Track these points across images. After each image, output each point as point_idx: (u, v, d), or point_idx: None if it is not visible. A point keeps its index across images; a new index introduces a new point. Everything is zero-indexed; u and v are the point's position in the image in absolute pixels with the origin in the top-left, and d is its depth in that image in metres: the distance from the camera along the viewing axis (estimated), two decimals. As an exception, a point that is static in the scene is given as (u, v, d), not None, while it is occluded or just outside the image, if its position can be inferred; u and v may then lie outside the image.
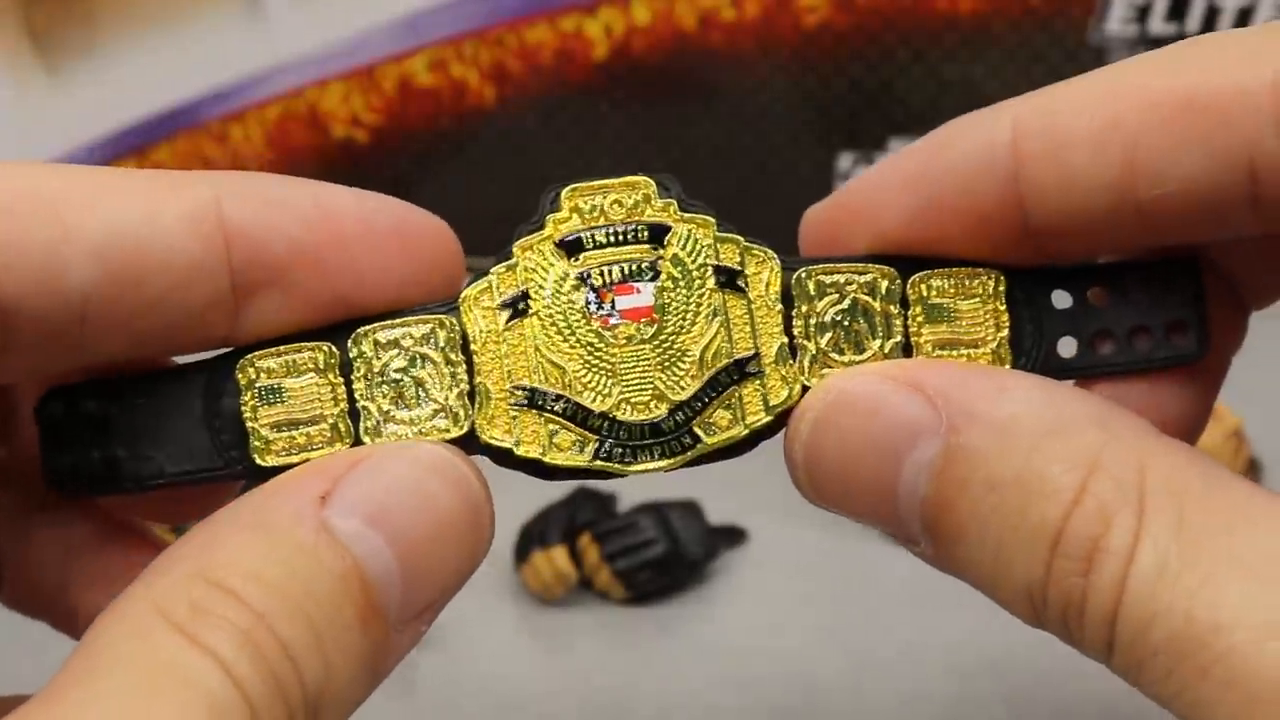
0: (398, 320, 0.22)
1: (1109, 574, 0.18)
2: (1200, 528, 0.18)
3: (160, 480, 0.22)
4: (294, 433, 0.22)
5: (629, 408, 0.22)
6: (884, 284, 0.23)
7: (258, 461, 0.22)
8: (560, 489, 0.46)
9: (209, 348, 0.22)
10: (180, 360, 0.23)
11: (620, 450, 0.22)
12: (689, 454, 0.23)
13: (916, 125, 0.60)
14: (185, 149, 0.60)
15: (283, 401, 0.22)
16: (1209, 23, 0.57)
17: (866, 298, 0.23)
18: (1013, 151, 0.21)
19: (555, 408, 0.22)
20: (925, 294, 0.23)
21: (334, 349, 0.22)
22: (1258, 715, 0.17)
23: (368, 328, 0.22)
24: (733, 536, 0.47)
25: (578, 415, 0.22)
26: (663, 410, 0.23)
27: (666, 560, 0.44)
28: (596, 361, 0.22)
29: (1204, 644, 0.17)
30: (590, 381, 0.22)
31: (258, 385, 0.22)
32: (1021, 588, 0.20)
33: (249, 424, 0.22)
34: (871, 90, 0.60)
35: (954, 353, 0.23)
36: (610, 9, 0.58)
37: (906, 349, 0.23)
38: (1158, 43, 0.58)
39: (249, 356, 0.22)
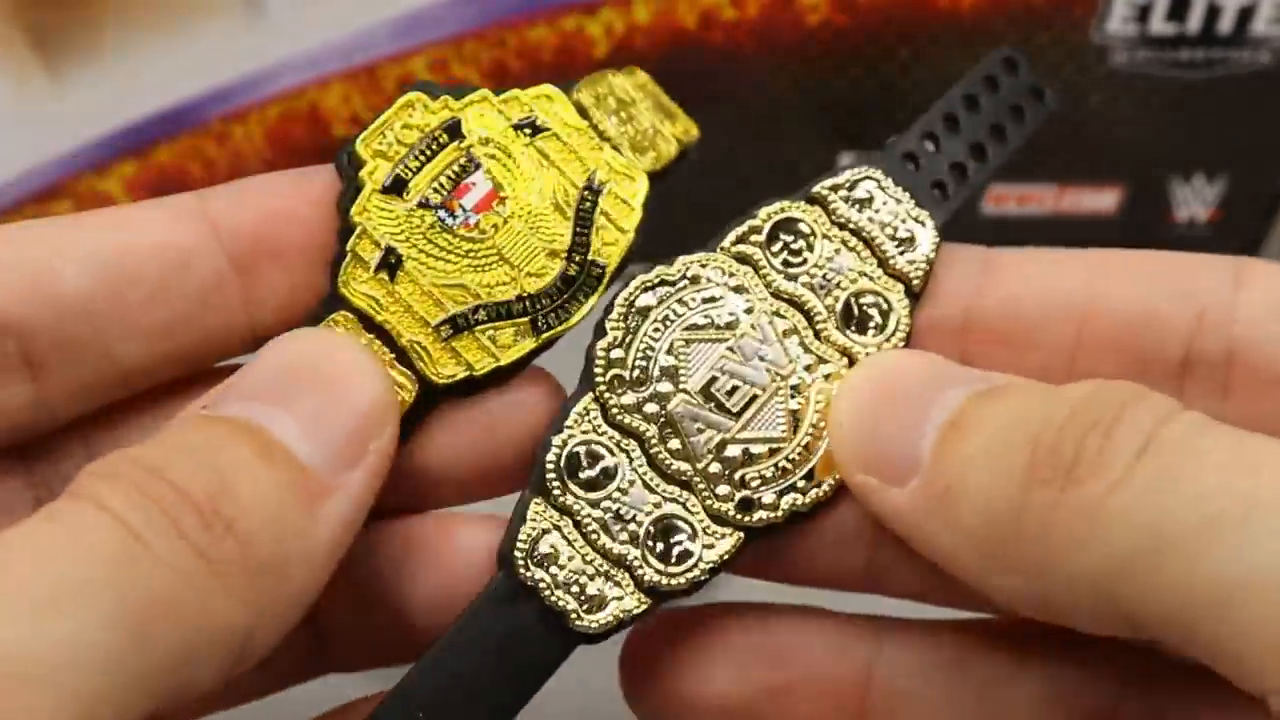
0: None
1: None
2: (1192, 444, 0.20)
3: None
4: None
5: (534, 278, 0.24)
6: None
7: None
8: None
9: (236, 339, 0.24)
10: None
11: (553, 314, 0.24)
12: (604, 280, 0.25)
13: (917, 125, 0.60)
14: (186, 149, 0.60)
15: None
16: (1209, 22, 0.57)
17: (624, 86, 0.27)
18: None
19: (479, 317, 0.24)
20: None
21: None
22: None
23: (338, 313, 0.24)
24: (733, 537, 0.47)
25: (501, 311, 0.24)
26: (559, 263, 0.24)
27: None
28: (483, 260, 0.24)
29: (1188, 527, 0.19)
30: (490, 280, 0.24)
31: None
32: (1019, 477, 0.21)
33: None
34: (872, 90, 0.60)
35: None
36: (611, 9, 0.58)
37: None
38: (1158, 42, 0.58)
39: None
